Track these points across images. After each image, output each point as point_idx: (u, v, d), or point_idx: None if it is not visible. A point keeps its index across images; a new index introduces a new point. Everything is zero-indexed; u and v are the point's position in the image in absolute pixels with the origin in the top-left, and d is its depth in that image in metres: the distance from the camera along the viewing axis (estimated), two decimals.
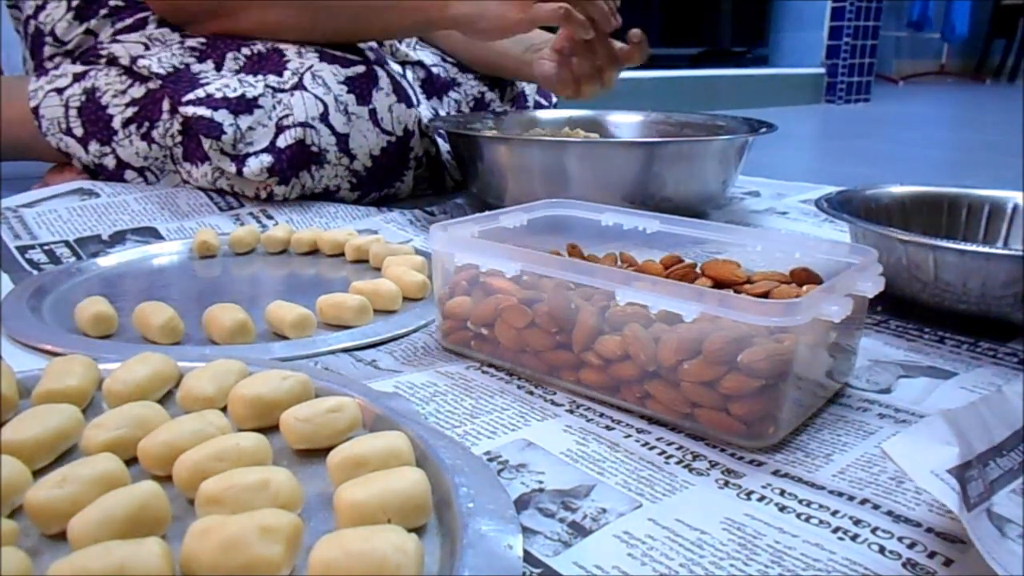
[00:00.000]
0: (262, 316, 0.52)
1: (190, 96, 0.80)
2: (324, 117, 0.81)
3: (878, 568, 0.30)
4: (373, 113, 0.83)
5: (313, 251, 0.71)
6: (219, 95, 0.79)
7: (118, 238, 0.72)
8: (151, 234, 0.73)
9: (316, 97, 0.80)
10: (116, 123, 0.83)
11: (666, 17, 2.62)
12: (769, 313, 0.36)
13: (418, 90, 0.98)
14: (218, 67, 0.83)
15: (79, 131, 0.85)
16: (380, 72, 0.85)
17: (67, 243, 0.70)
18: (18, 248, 0.68)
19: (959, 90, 3.60)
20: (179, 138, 0.82)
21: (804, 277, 0.47)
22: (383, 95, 0.84)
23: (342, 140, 0.82)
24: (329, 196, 0.85)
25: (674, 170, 0.77)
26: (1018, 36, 4.26)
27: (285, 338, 0.50)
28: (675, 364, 0.39)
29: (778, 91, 2.61)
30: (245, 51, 0.84)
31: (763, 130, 0.85)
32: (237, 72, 0.82)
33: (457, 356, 0.49)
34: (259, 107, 0.79)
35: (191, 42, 0.85)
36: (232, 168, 0.79)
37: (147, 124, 0.83)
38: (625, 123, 1.01)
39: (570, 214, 0.56)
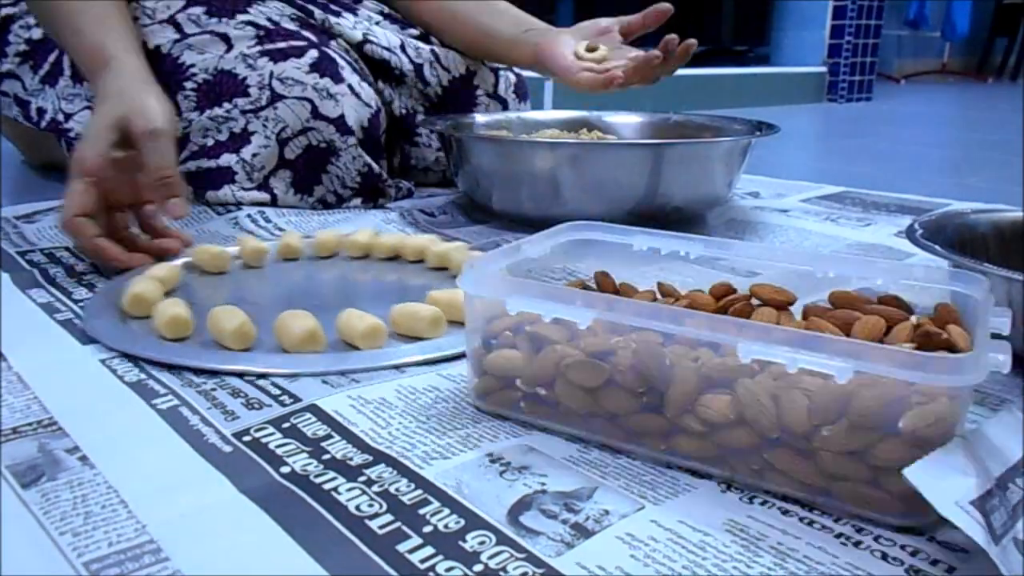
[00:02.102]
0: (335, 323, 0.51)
1: (184, 155, 0.82)
2: (316, 112, 0.81)
3: (881, 573, 0.30)
4: (351, 88, 0.84)
5: (395, 256, 0.69)
6: (211, 142, 0.81)
7: None
8: None
9: (299, 99, 0.81)
10: None
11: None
12: (942, 370, 0.30)
13: (366, 68, 0.94)
14: (176, 113, 0.83)
15: None
16: (332, 53, 0.85)
17: (68, 248, 0.70)
18: (18, 253, 0.68)
19: (961, 89, 3.60)
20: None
21: (894, 304, 0.41)
22: (349, 72, 0.85)
23: (340, 122, 0.82)
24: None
25: (676, 173, 0.77)
26: (1020, 35, 4.25)
27: (356, 348, 0.49)
28: (810, 430, 0.33)
29: (780, 90, 2.61)
30: (188, 84, 0.83)
31: (759, 133, 0.85)
32: (197, 109, 0.83)
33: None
34: (254, 133, 0.80)
35: None
36: (265, 196, 0.82)
37: None
38: (627, 124, 1.00)
39: (595, 237, 0.50)
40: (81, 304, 0.56)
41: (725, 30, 2.84)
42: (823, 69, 2.73)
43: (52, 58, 0.87)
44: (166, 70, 0.83)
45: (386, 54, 0.95)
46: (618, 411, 0.37)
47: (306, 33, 0.87)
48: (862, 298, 0.41)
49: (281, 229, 0.78)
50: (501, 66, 1.04)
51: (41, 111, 0.88)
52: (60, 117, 0.87)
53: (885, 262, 0.44)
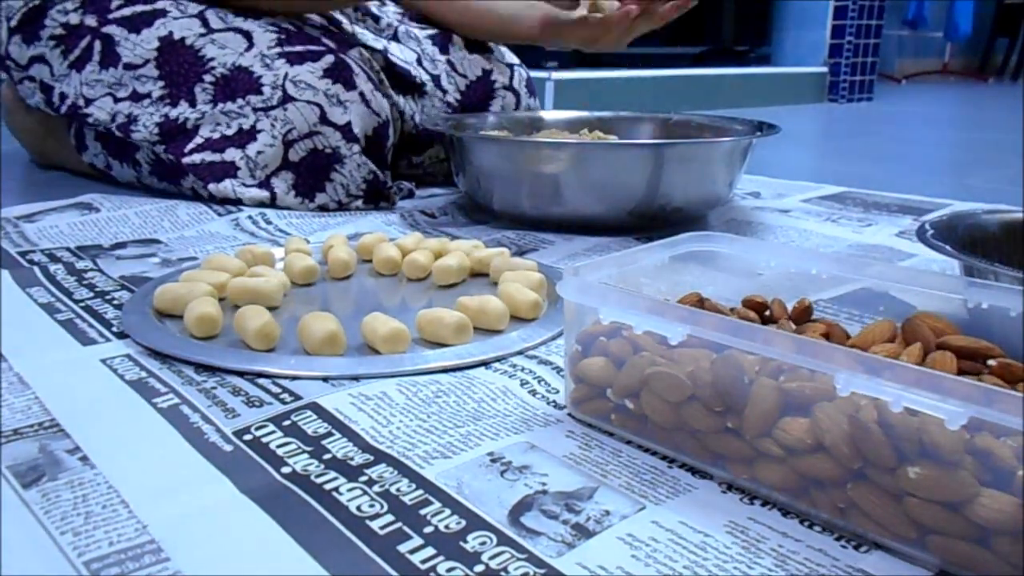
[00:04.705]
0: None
1: (191, 146, 0.83)
2: (324, 118, 0.82)
3: (883, 574, 0.30)
4: (362, 96, 0.85)
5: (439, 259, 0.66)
6: (218, 136, 0.82)
7: (119, 245, 0.72)
8: (153, 242, 0.73)
9: (309, 103, 0.82)
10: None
11: None
12: None
13: (385, 80, 0.97)
14: (192, 103, 0.84)
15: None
16: (348, 60, 0.86)
17: (68, 249, 0.70)
18: (19, 252, 0.68)
19: (962, 89, 3.60)
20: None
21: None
22: (363, 80, 0.85)
23: (346, 130, 0.83)
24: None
25: (677, 174, 0.77)
26: (1021, 35, 4.25)
27: (377, 352, 0.49)
28: (894, 466, 0.29)
29: (781, 90, 2.61)
30: (207, 77, 0.84)
31: (759, 133, 0.85)
32: (212, 102, 0.84)
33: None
34: (261, 131, 0.81)
35: (150, 86, 0.86)
36: (265, 194, 0.83)
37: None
38: (628, 124, 1.00)
39: (718, 249, 0.48)
40: (82, 304, 0.56)
41: (726, 30, 2.84)
42: (824, 69, 2.72)
43: (84, 43, 0.89)
44: (187, 61, 0.85)
45: (405, 67, 0.99)
46: (700, 428, 0.35)
47: (326, 40, 0.88)
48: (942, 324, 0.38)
49: (282, 231, 0.78)
50: (515, 62, 1.08)
51: (63, 96, 0.89)
52: (80, 102, 0.88)
53: (887, 264, 0.44)
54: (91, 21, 0.89)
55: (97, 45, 0.88)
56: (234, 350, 0.49)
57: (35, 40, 0.91)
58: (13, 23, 0.91)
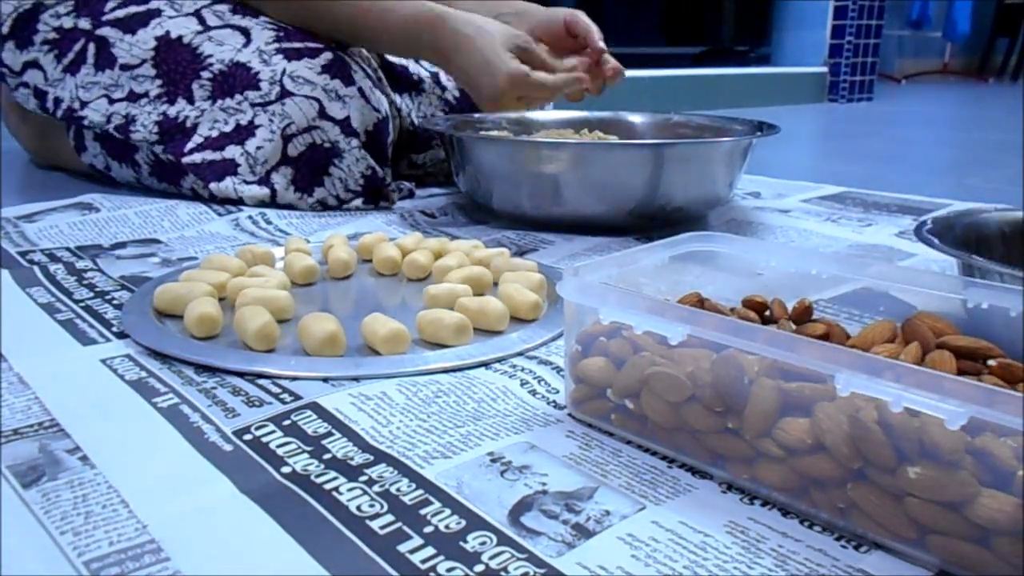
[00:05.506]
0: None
1: (190, 145, 0.83)
2: (323, 112, 0.82)
3: (883, 574, 0.30)
4: (361, 91, 0.85)
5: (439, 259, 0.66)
6: (216, 133, 0.82)
7: (119, 245, 0.72)
8: (153, 242, 0.73)
9: (307, 98, 0.82)
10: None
11: (668, 16, 2.61)
12: None
13: (383, 78, 0.97)
14: (190, 100, 0.84)
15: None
16: (347, 58, 0.86)
17: (68, 248, 0.70)
18: (19, 252, 0.68)
19: (962, 89, 3.60)
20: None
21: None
22: (361, 76, 0.86)
23: (345, 124, 0.83)
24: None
25: (677, 174, 0.77)
26: (1021, 35, 4.25)
27: (377, 353, 0.49)
28: (894, 466, 0.30)
29: (781, 90, 2.61)
30: (205, 74, 0.85)
31: (759, 133, 0.85)
32: (211, 99, 0.84)
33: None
34: (259, 127, 0.82)
35: (147, 85, 0.86)
36: (265, 191, 0.83)
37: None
38: (628, 124, 1.00)
39: (718, 249, 0.47)
40: (82, 304, 0.56)
41: (726, 30, 2.84)
42: (824, 69, 2.72)
43: (77, 47, 0.89)
44: (185, 59, 0.85)
45: (403, 64, 0.99)
46: (700, 428, 0.35)
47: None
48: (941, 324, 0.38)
49: (282, 231, 0.78)
50: None
51: (58, 100, 0.89)
52: (76, 105, 0.88)
53: (887, 264, 0.44)
54: (85, 24, 0.89)
55: (91, 48, 0.88)
56: (234, 350, 0.49)
57: (28, 45, 0.91)
58: (5, 29, 0.91)
